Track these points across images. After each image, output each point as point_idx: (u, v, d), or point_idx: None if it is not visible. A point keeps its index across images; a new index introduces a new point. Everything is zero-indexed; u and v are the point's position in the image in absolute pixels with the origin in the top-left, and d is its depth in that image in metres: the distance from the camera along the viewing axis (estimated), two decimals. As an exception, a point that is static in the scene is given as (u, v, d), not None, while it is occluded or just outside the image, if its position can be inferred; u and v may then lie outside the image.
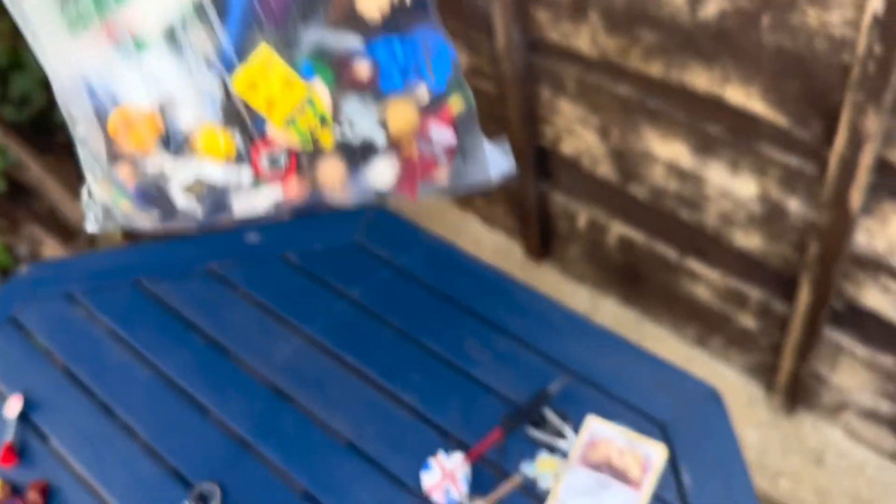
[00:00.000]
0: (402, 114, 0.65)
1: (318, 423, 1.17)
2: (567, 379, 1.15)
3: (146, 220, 0.64)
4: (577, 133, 1.72)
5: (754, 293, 1.67)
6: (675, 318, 1.92)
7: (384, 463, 1.12)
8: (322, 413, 1.18)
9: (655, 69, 1.46)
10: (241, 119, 0.59)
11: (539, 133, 1.82)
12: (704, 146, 1.50)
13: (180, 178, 0.61)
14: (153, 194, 0.61)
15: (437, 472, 1.08)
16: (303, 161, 0.63)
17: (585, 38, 1.53)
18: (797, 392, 1.74)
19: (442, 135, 0.69)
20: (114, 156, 0.60)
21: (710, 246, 1.67)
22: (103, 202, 0.67)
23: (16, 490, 1.16)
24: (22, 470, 1.19)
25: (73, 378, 1.29)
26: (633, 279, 1.94)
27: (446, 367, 1.21)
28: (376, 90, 0.63)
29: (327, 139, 0.63)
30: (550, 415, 1.11)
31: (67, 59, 0.60)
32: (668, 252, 1.77)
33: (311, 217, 1.16)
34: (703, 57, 1.38)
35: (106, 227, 0.69)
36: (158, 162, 0.60)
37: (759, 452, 1.76)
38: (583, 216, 1.91)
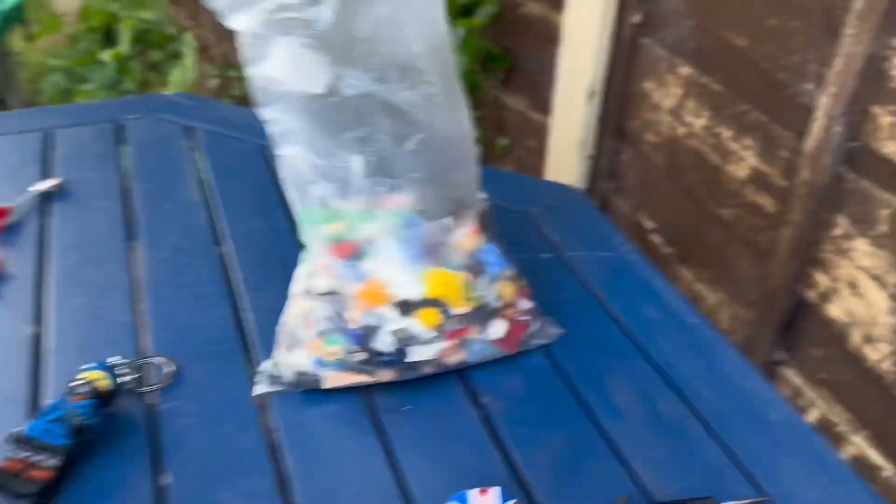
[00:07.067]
0: (508, 288, 0.92)
1: None
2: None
3: (356, 356, 0.87)
4: (863, 292, 1.23)
5: None
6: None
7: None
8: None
9: None
10: (438, 303, 0.87)
11: (805, 279, 1.33)
12: None
13: (393, 326, 0.85)
14: (365, 335, 0.86)
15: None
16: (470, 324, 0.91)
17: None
18: None
19: (526, 303, 0.94)
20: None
21: None
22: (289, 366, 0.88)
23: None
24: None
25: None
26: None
27: None
28: (491, 274, 0.91)
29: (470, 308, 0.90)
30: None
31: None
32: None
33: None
34: None
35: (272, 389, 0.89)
36: (384, 315, 0.86)
37: None
38: (815, 412, 1.38)
